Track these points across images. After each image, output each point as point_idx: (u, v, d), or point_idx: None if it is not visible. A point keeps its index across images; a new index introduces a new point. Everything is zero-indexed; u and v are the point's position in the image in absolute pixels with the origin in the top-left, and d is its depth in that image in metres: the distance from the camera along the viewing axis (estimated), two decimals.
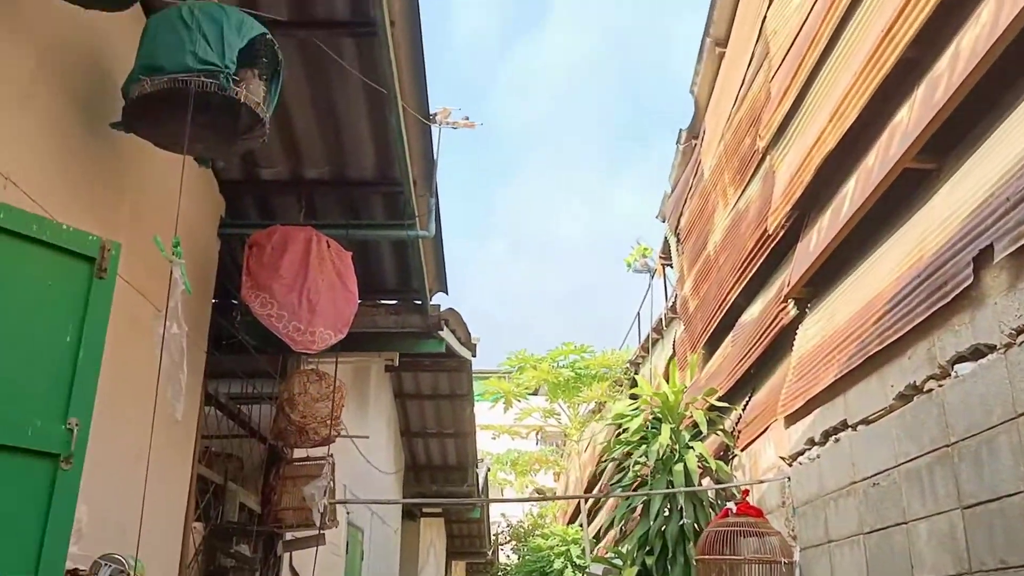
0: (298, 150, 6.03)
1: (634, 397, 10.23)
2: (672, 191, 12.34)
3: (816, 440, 6.43)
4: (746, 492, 6.61)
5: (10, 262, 2.89)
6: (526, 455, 23.93)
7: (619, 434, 9.05)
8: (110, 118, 4.25)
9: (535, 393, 19.07)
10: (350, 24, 4.98)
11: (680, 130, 11.47)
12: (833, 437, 6.19)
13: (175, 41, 3.88)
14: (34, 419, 2.84)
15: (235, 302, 6.93)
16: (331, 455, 6.95)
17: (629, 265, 14.93)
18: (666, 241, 12.84)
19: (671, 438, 8.05)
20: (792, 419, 6.85)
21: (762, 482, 7.58)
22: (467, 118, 5.86)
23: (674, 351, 12.02)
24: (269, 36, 4.14)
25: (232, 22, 3.97)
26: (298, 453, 7.08)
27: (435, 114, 5.89)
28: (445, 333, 8.15)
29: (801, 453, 6.75)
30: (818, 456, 6.44)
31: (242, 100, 3.96)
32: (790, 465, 6.97)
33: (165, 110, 4.05)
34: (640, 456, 8.20)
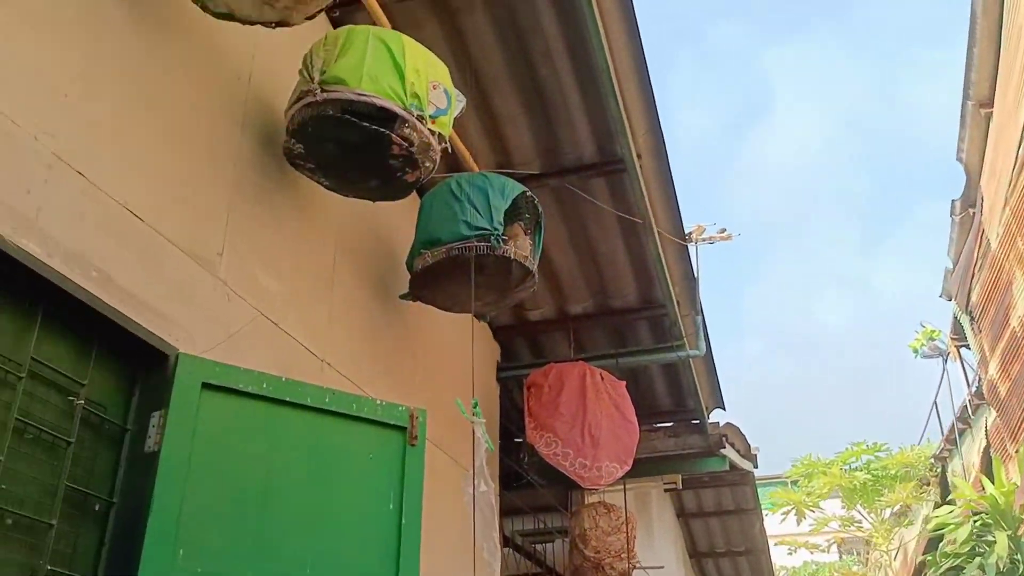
0: (561, 288, 6.24)
1: (949, 500, 9.11)
2: (954, 266, 11.25)
3: None
4: None
5: (338, 440, 3.18)
6: (826, 568, 21.93)
7: (942, 544, 8.04)
8: (397, 290, 4.67)
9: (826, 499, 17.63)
10: (598, 165, 5.17)
11: (952, 201, 10.54)
12: None
13: (448, 213, 4.21)
14: None
15: (518, 441, 7.16)
16: None
17: (916, 351, 13.63)
18: (956, 320, 11.63)
19: (1010, 547, 7.02)
20: None
21: None
22: (724, 231, 5.79)
23: (988, 442, 10.65)
24: (529, 193, 4.39)
25: (496, 187, 4.26)
26: None
27: (689, 233, 5.89)
28: (727, 451, 7.84)
29: None
30: None
31: (512, 257, 4.18)
32: None
33: (444, 275, 4.37)
34: (974, 571, 7.20)
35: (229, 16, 2.90)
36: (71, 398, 2.64)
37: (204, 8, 2.86)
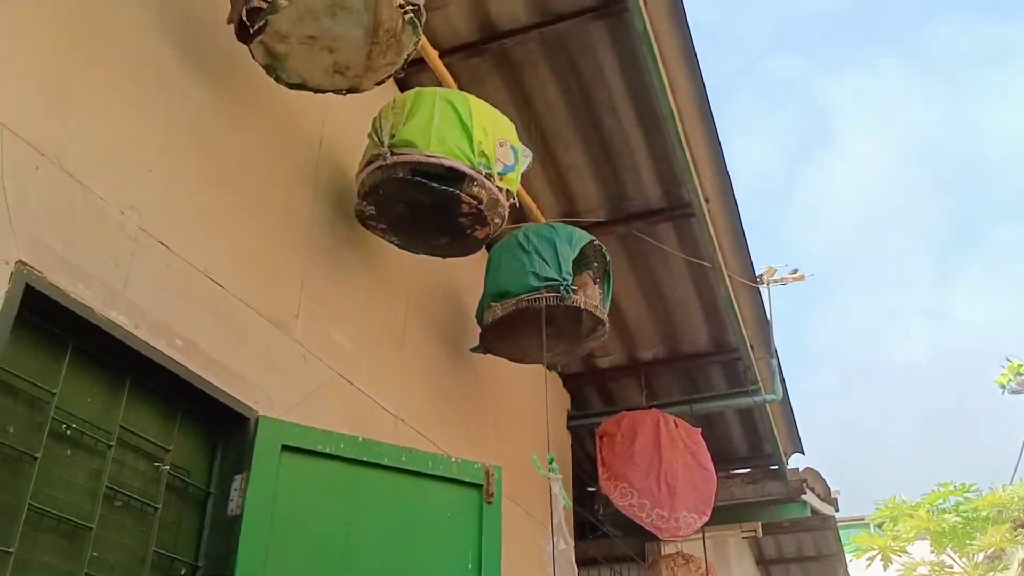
0: (631, 334, 6.17)
1: None
2: None
3: None
4: None
5: (415, 499, 3.17)
6: None
7: None
8: (467, 343, 4.68)
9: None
10: (665, 210, 5.14)
11: None
12: None
13: (517, 266, 4.22)
14: None
15: (590, 490, 7.05)
16: None
17: (1003, 386, 13.06)
18: None
19: None
20: None
21: None
22: (796, 271, 5.67)
23: None
24: (596, 242, 4.37)
25: (563, 237, 4.26)
26: None
27: (760, 275, 5.78)
28: (808, 496, 7.59)
29: None
30: None
31: (583, 307, 4.16)
32: None
33: (514, 327, 4.37)
34: None
35: (301, 86, 2.99)
36: (157, 464, 2.70)
37: (278, 79, 2.95)
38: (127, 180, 2.61)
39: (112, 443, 2.53)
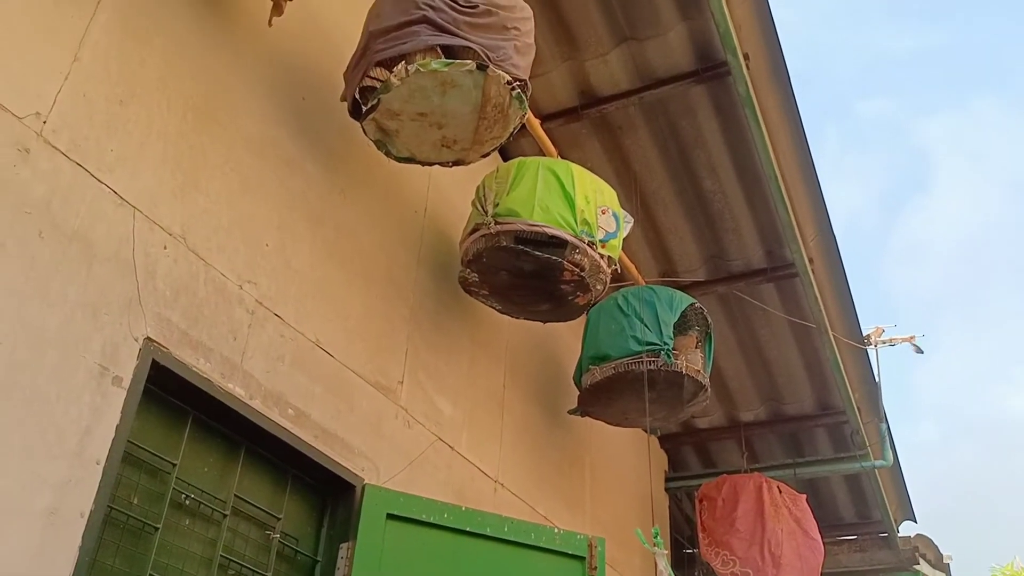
0: (731, 395, 6.02)
1: None
2: None
3: None
4: None
5: (518, 570, 3.13)
6: None
7: None
8: (565, 405, 4.64)
9: None
10: (768, 271, 5.03)
11: None
12: None
13: (616, 329, 4.18)
14: None
15: (688, 552, 6.86)
16: None
17: None
18: None
19: None
20: None
21: None
22: (914, 338, 5.45)
23: None
24: (698, 305, 4.30)
25: (663, 300, 4.21)
26: None
27: (868, 335, 5.57)
28: (921, 566, 7.18)
29: None
30: None
31: (685, 372, 4.08)
32: None
33: (613, 390, 4.31)
34: None
35: (410, 159, 3.06)
36: (268, 532, 2.75)
37: (387, 154, 3.03)
38: (245, 255, 2.71)
39: (227, 512, 2.59)
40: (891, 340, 5.58)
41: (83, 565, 2.00)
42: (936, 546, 7.78)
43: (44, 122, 2.15)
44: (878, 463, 5.72)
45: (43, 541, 1.94)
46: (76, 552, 2.00)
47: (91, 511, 2.05)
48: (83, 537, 2.02)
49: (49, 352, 2.04)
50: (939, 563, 8.22)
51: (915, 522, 6.95)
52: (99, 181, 2.26)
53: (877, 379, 5.57)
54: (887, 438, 5.69)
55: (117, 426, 2.16)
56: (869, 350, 5.47)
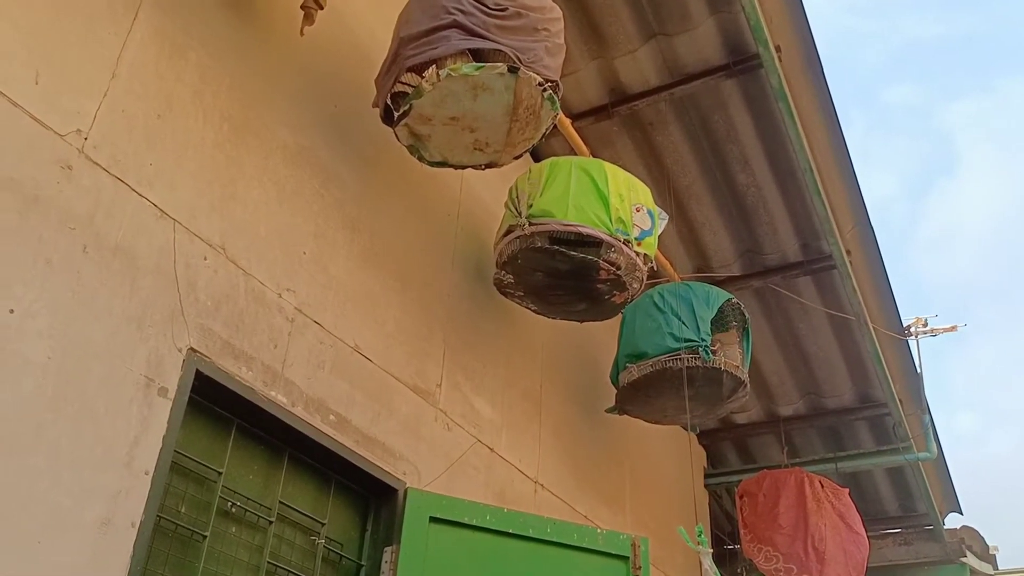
0: (769, 389, 5.96)
1: None
2: None
3: None
4: None
5: (561, 571, 3.13)
6: None
7: None
8: (602, 404, 4.62)
9: None
10: (804, 264, 4.98)
11: None
12: None
13: (653, 326, 4.16)
14: None
15: (728, 548, 6.81)
16: None
17: None
18: None
19: None
20: None
21: None
22: (953, 327, 5.35)
23: None
24: (735, 300, 4.26)
25: (700, 296, 4.18)
26: None
27: (908, 326, 5.48)
28: (968, 559, 7.06)
29: None
30: None
31: (723, 368, 4.05)
32: None
33: (651, 388, 4.29)
34: None
35: (443, 163, 3.06)
36: (313, 537, 2.77)
37: (420, 159, 3.04)
38: (284, 264, 2.74)
39: (272, 519, 2.61)
40: (933, 330, 5.48)
41: (135, 574, 2.04)
42: (982, 538, 7.66)
43: (85, 139, 2.18)
44: (922, 455, 5.63)
45: (96, 551, 1.97)
46: (128, 561, 2.03)
47: (141, 521, 2.08)
48: (134, 547, 2.05)
49: (96, 366, 2.08)
50: (985, 554, 8.08)
51: (961, 514, 6.84)
52: (139, 195, 2.29)
53: (919, 370, 5.49)
54: (930, 430, 5.60)
55: (164, 436, 2.19)
56: (910, 341, 5.38)
